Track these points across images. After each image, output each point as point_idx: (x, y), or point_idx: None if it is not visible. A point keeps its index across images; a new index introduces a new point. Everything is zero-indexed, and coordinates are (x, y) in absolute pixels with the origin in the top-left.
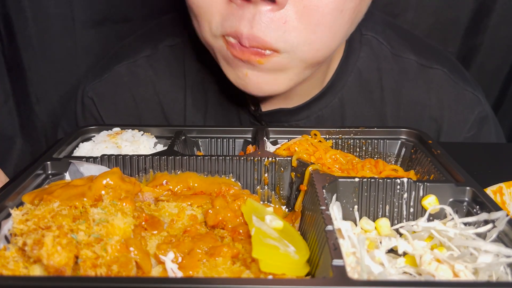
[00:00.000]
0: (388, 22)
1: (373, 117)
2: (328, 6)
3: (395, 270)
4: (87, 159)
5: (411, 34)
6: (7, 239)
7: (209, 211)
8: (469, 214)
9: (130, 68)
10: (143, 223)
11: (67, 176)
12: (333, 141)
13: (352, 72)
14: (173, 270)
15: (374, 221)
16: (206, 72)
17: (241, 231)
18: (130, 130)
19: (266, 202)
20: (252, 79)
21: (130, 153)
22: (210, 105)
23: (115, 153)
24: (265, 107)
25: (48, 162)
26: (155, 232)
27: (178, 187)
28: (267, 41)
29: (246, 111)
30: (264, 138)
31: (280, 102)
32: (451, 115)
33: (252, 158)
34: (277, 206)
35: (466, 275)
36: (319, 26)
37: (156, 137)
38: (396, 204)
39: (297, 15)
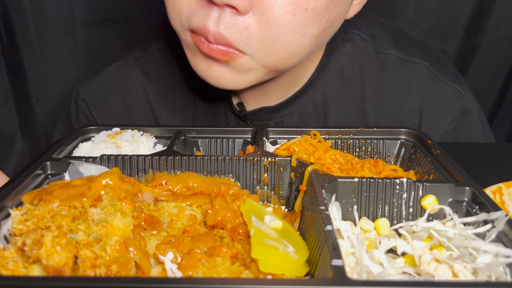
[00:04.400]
0: (371, 19)
1: (355, 112)
2: (287, 27)
3: (395, 270)
4: (87, 159)
5: (395, 30)
6: (6, 239)
7: (209, 211)
8: (468, 214)
9: (120, 69)
10: (143, 223)
11: (67, 176)
12: (333, 141)
13: (334, 69)
14: (173, 270)
15: (373, 221)
16: (195, 74)
17: (240, 231)
18: (130, 130)
19: (265, 202)
20: (215, 72)
21: (130, 153)
22: (198, 106)
23: (115, 153)
24: (249, 107)
25: (48, 162)
26: (154, 232)
27: (178, 187)
28: (231, 41)
29: (231, 111)
30: (264, 138)
31: (262, 101)
32: (431, 109)
33: (251, 158)
34: (276, 206)
35: (465, 275)
36: (278, 42)
37: (156, 137)
38: (396, 204)
39: (259, 25)
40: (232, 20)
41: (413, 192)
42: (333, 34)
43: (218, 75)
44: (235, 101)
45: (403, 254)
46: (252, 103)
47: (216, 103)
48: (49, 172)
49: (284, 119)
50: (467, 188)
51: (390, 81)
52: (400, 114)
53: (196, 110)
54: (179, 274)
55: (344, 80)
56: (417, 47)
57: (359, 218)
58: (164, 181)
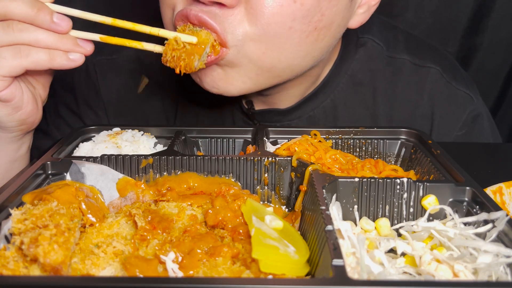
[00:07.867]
0: (384, 23)
1: (366, 117)
2: (274, 17)
3: (395, 270)
4: (87, 159)
5: (408, 34)
6: (7, 239)
7: (209, 211)
8: (469, 214)
9: (139, 56)
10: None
11: (68, 176)
12: (333, 141)
13: (346, 74)
14: (174, 270)
15: (374, 221)
16: None
17: (241, 231)
18: (130, 130)
19: (266, 202)
20: (207, 73)
21: (130, 153)
22: (206, 100)
23: (115, 153)
24: (258, 106)
25: (48, 162)
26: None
27: (178, 187)
28: (214, 26)
29: (239, 109)
30: (264, 138)
31: (272, 102)
32: (443, 114)
33: (252, 158)
34: (277, 206)
35: (465, 275)
36: (265, 31)
37: (156, 137)
38: (396, 204)
39: (246, 12)
40: (217, 11)
41: (413, 192)
42: (334, 41)
43: (211, 74)
44: (243, 101)
45: (404, 254)
46: (261, 103)
47: (224, 99)
48: (49, 172)
49: (292, 123)
50: (468, 188)
51: (402, 86)
52: (411, 120)
53: (202, 103)
54: (180, 274)
55: (355, 86)
56: (428, 50)
57: (360, 218)
58: (168, 187)
